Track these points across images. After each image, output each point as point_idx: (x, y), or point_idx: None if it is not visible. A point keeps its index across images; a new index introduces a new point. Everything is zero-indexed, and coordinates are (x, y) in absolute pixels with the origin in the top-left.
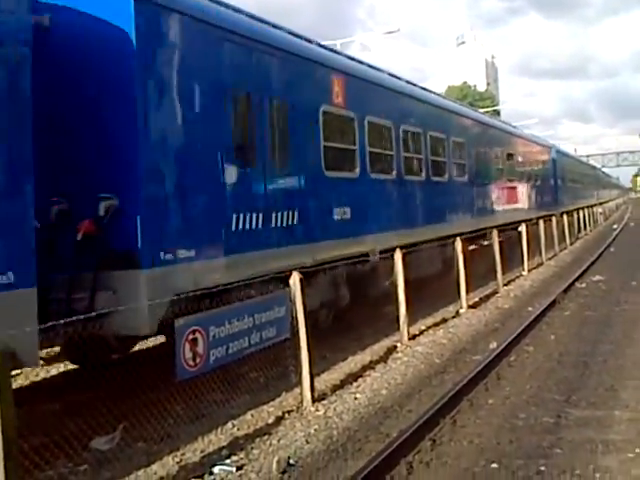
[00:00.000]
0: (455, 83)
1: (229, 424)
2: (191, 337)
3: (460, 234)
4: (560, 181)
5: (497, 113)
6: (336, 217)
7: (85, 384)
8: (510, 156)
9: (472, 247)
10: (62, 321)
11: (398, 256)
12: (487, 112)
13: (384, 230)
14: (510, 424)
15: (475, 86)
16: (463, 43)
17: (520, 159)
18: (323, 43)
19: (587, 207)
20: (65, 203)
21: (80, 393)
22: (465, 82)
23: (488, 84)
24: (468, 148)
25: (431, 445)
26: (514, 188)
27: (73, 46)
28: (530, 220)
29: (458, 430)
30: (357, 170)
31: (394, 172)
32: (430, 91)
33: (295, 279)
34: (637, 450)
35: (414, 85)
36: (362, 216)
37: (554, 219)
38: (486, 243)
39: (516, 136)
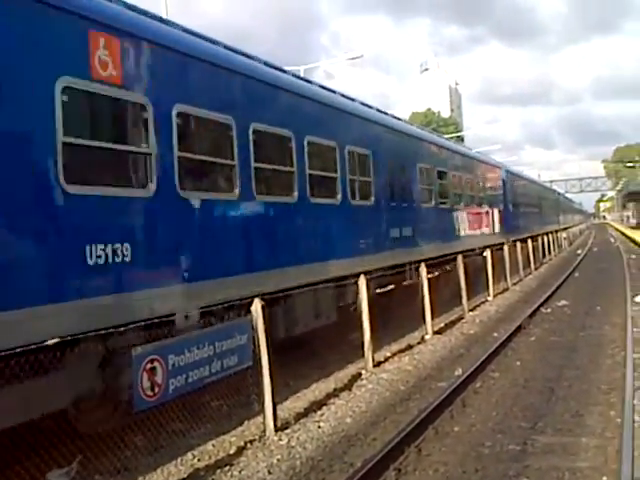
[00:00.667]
0: (419, 109)
1: (189, 455)
2: (149, 366)
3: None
4: (512, 206)
5: (461, 139)
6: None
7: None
8: (442, 175)
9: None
10: None
11: (362, 282)
12: (451, 138)
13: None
14: (476, 452)
15: (439, 112)
16: (427, 70)
17: (457, 179)
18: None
19: (547, 234)
20: None
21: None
22: (429, 108)
23: (452, 110)
24: (375, 161)
25: (396, 475)
26: (447, 213)
27: None
28: (467, 252)
29: (423, 459)
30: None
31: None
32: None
33: (257, 306)
34: (604, 478)
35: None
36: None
37: (506, 248)
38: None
39: (453, 151)
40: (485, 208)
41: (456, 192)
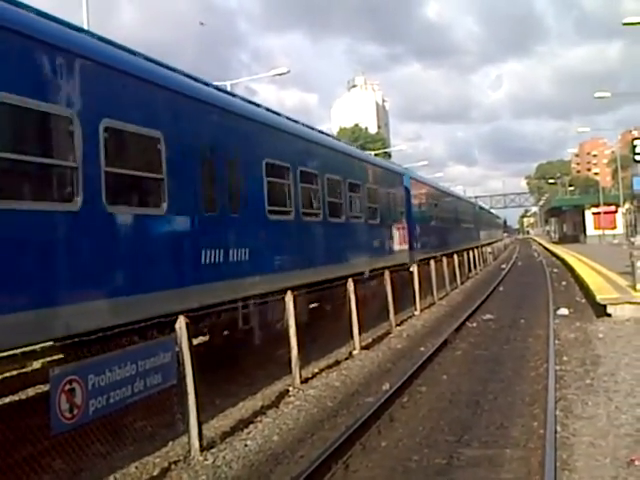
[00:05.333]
0: (347, 126)
1: (111, 478)
2: (67, 387)
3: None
4: (418, 220)
5: (388, 155)
6: None
7: None
8: (310, 178)
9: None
10: None
11: (289, 298)
12: (378, 155)
13: None
14: (403, 466)
15: (366, 128)
16: (354, 87)
17: (328, 186)
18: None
19: (466, 251)
20: None
21: None
22: (357, 124)
23: (379, 127)
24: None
25: None
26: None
27: None
28: (355, 276)
29: (350, 475)
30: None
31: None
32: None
33: (181, 323)
34: None
35: None
36: None
37: (415, 269)
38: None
39: (329, 147)
40: (378, 222)
41: (335, 201)
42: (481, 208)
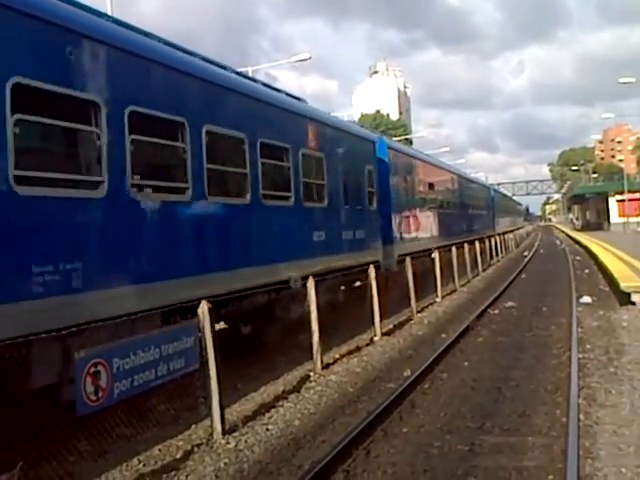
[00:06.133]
0: (369, 112)
1: (135, 460)
2: (92, 370)
3: None
4: (402, 204)
5: (410, 142)
6: None
7: None
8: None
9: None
10: None
11: (311, 284)
12: (400, 141)
13: None
14: (424, 453)
15: (388, 115)
16: (376, 73)
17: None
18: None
19: (476, 241)
20: None
21: None
22: (378, 111)
23: (401, 113)
24: None
25: (344, 477)
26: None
27: None
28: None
29: (372, 460)
30: None
31: None
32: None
33: (204, 308)
34: (550, 477)
35: None
36: None
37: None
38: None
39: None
40: (325, 205)
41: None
42: (497, 192)
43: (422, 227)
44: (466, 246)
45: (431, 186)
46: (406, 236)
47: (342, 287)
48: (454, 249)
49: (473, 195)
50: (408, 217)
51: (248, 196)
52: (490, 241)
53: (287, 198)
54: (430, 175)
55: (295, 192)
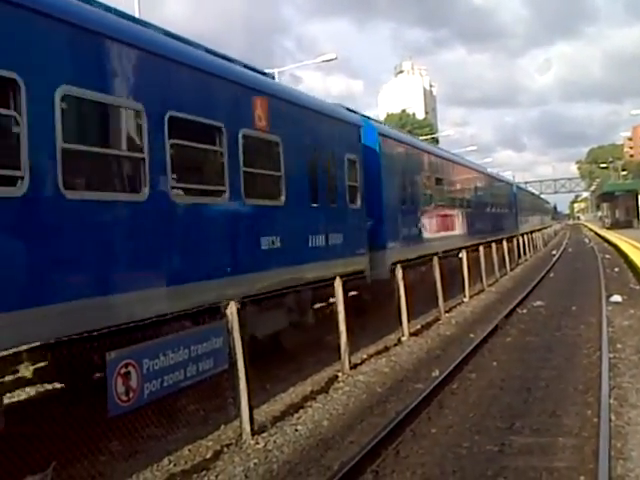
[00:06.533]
0: (395, 111)
1: (165, 460)
2: (123, 371)
3: None
4: (397, 201)
5: (436, 141)
6: None
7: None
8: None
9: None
10: None
11: (338, 284)
12: (426, 140)
13: None
14: (453, 453)
15: (414, 114)
16: (401, 72)
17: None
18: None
19: (494, 243)
20: None
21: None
22: (404, 110)
23: (426, 112)
24: None
25: (373, 477)
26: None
27: None
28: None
29: (401, 461)
30: None
31: None
32: None
33: (232, 309)
34: (581, 478)
35: None
36: None
37: (464, 255)
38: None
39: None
40: (289, 203)
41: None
42: (521, 189)
43: (426, 229)
44: (481, 249)
45: (438, 181)
46: (404, 240)
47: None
48: (481, 249)
49: (492, 192)
50: (407, 218)
51: (146, 190)
52: (513, 243)
53: (218, 193)
54: (436, 169)
55: (232, 186)
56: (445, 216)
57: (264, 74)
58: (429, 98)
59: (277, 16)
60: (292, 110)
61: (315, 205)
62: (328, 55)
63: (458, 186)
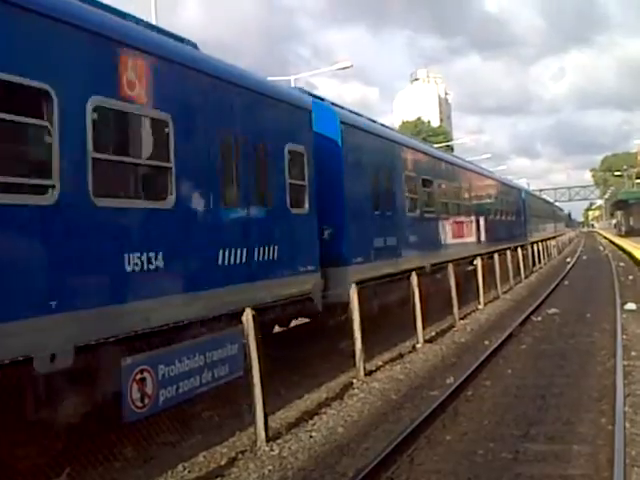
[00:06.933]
0: (410, 119)
1: (180, 467)
2: (139, 377)
3: None
4: (361, 204)
5: (451, 149)
6: None
7: None
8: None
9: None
10: None
11: (354, 290)
12: (441, 148)
13: None
14: (468, 461)
15: (429, 122)
16: (417, 80)
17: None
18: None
19: (497, 253)
20: None
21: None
22: (419, 118)
23: (441, 120)
24: None
25: None
26: None
27: None
28: None
29: (415, 468)
30: None
31: None
32: None
33: (248, 316)
34: None
35: None
36: None
37: (479, 262)
38: None
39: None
40: (200, 209)
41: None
42: (531, 194)
43: (407, 240)
44: (478, 262)
45: (426, 183)
46: (377, 254)
47: None
48: (496, 256)
49: (496, 198)
50: (382, 226)
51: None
52: (520, 253)
53: (39, 190)
54: (424, 168)
55: (67, 179)
56: (433, 225)
57: (168, 34)
58: (444, 106)
59: (293, 24)
60: (194, 79)
61: (230, 207)
62: (344, 63)
63: (451, 190)
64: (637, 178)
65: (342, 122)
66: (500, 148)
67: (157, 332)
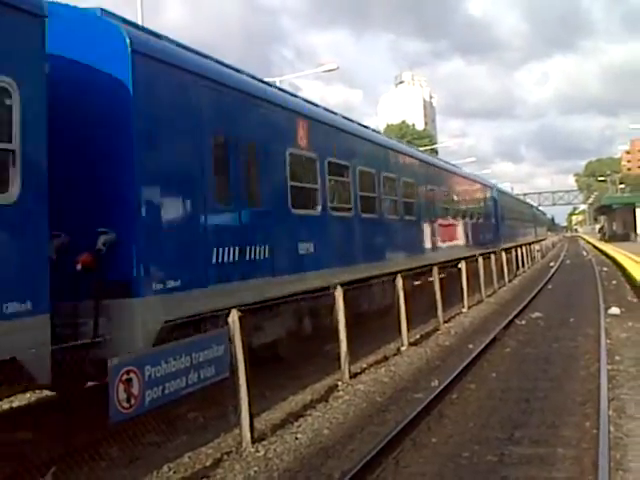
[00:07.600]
0: (395, 122)
1: (165, 467)
2: (125, 377)
3: None
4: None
5: (435, 152)
6: None
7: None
8: None
9: None
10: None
11: (339, 293)
12: (425, 151)
13: None
14: (453, 463)
15: (414, 125)
16: (402, 83)
17: None
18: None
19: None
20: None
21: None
22: (404, 121)
23: (426, 123)
24: None
25: None
26: None
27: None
28: None
29: (401, 470)
30: None
31: None
32: None
33: (234, 317)
34: None
35: None
36: None
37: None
38: None
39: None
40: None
41: None
42: (505, 194)
43: (290, 249)
44: (435, 274)
45: (338, 170)
46: (213, 272)
47: None
48: (480, 259)
49: (456, 196)
50: (231, 227)
51: None
52: (490, 262)
53: None
54: (331, 146)
55: None
56: (346, 226)
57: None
58: (429, 109)
59: (275, 25)
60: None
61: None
62: (329, 65)
63: (384, 182)
64: (621, 183)
65: (136, 51)
66: (484, 152)
67: None
